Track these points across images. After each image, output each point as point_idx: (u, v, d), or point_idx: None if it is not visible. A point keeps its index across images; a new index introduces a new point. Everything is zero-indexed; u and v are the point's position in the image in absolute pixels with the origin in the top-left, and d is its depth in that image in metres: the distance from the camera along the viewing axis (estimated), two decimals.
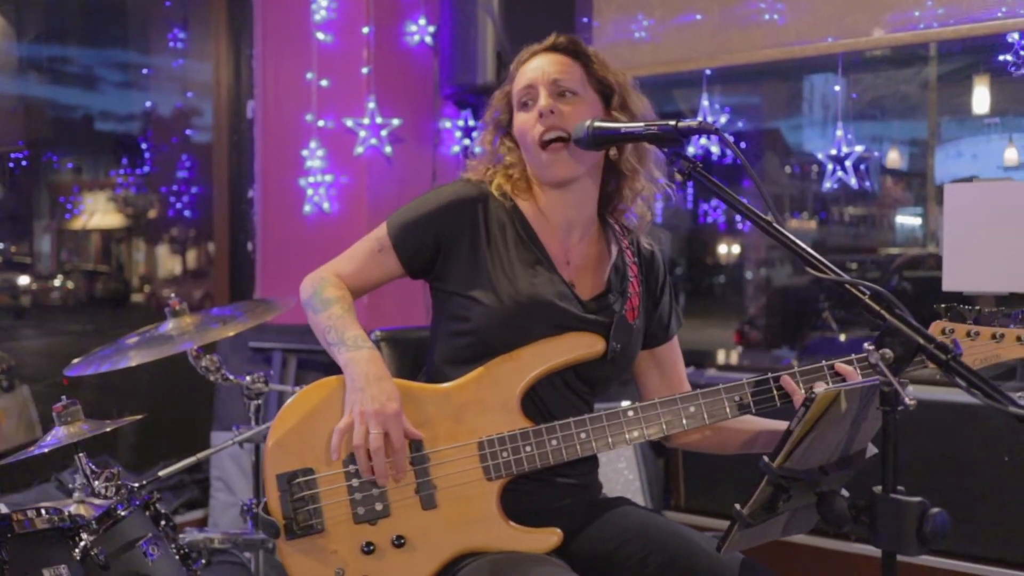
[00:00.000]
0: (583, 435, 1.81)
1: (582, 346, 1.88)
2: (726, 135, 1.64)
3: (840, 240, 7.47)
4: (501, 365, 1.85)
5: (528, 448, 1.80)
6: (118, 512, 2.08)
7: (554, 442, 1.80)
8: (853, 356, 1.81)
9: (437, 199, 1.94)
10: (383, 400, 1.74)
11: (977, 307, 1.78)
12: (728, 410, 1.81)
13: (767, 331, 6.48)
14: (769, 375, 1.81)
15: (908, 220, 7.53)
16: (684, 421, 1.81)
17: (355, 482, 1.79)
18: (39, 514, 1.98)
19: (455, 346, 1.91)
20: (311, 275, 1.99)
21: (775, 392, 1.80)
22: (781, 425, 1.86)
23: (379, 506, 1.79)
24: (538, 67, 1.94)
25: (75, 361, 2.39)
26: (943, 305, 1.80)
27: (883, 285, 1.65)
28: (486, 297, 1.86)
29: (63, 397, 2.13)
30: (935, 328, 1.78)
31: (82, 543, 1.99)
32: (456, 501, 1.79)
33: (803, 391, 1.77)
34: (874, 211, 7.70)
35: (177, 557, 2.20)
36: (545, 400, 1.88)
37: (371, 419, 1.72)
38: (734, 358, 5.12)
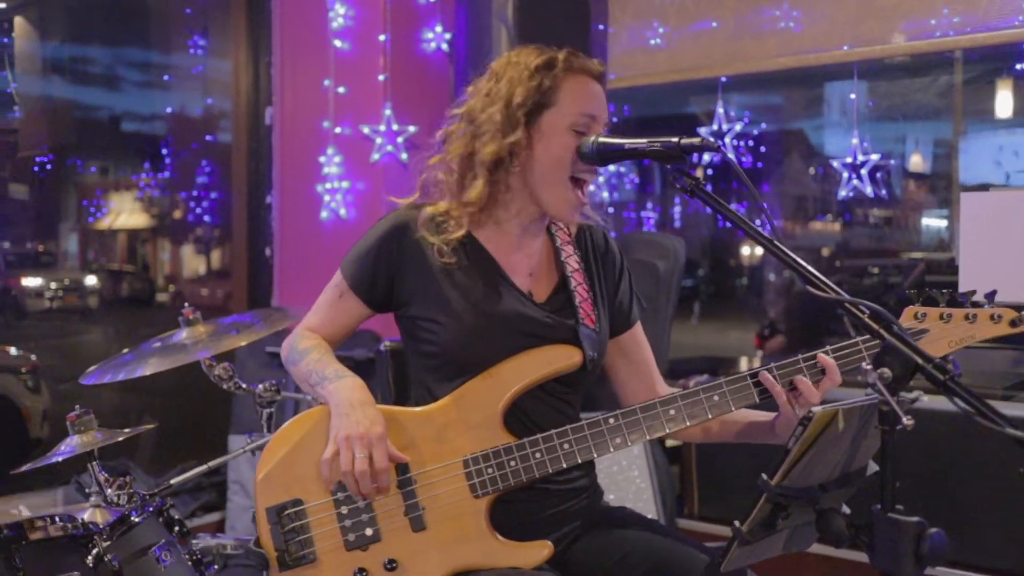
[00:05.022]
0: (566, 446, 1.82)
1: (560, 359, 1.88)
2: (727, 152, 1.65)
3: (863, 242, 7.39)
4: (481, 383, 1.86)
5: (512, 463, 1.81)
6: (132, 519, 2.11)
7: (538, 455, 1.81)
8: (828, 348, 1.80)
9: (378, 230, 1.97)
10: (367, 424, 1.76)
11: (947, 289, 1.76)
12: (708, 411, 1.81)
13: (788, 335, 6.43)
14: (745, 372, 1.81)
15: (933, 222, 7.44)
16: (665, 425, 1.82)
17: (344, 509, 1.81)
18: (53, 521, 2.02)
19: (429, 367, 1.94)
20: (287, 338, 2.04)
21: (753, 390, 1.81)
22: (769, 415, 1.88)
23: (369, 531, 1.80)
24: (596, 97, 1.91)
25: (91, 369, 2.42)
26: (914, 290, 1.79)
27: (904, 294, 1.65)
28: (447, 318, 1.88)
29: (76, 407, 2.17)
30: (907, 313, 1.77)
31: (95, 550, 2.02)
32: (445, 521, 1.80)
33: (781, 385, 1.78)
34: (898, 213, 7.62)
35: (190, 563, 2.23)
36: (527, 411, 1.89)
37: (356, 443, 1.74)
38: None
